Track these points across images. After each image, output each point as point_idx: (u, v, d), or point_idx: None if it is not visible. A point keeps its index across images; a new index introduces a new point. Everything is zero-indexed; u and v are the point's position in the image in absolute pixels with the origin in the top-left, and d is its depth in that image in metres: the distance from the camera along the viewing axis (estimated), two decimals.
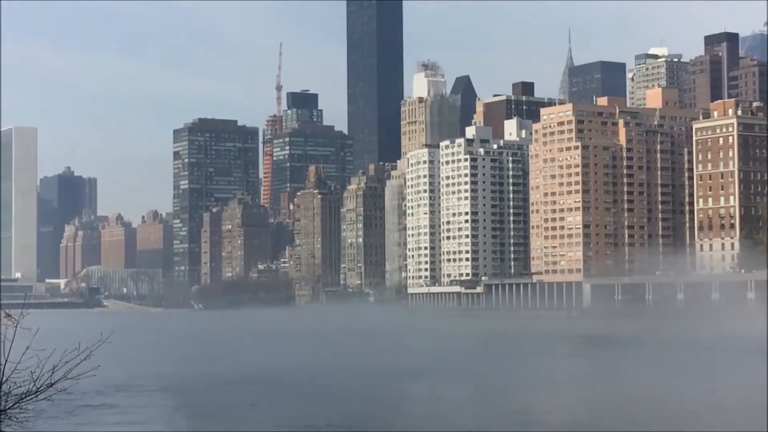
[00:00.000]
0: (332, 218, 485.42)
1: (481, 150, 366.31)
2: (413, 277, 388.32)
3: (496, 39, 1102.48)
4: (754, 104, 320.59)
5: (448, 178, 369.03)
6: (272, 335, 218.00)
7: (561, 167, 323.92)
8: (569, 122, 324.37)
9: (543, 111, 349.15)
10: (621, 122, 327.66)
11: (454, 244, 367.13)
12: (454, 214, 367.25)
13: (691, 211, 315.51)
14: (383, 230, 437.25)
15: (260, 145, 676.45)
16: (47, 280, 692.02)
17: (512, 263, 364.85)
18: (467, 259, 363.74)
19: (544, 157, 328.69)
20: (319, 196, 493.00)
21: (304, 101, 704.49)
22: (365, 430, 74.28)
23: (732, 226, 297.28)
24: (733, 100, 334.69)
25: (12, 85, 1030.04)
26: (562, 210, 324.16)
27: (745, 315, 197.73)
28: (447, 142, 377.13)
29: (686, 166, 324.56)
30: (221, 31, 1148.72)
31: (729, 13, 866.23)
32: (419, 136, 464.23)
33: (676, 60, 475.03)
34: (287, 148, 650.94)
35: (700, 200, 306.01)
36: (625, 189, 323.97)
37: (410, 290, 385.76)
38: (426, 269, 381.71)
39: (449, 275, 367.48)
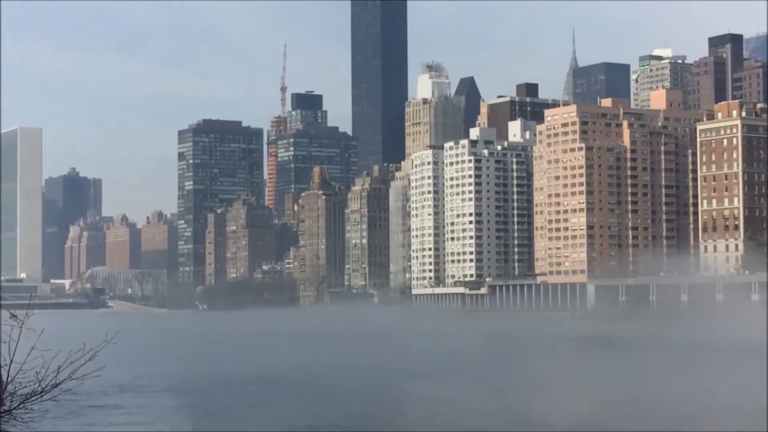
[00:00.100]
0: (336, 219, 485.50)
1: (485, 151, 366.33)
2: (417, 278, 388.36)
3: (500, 40, 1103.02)
4: (758, 105, 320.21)
5: (452, 179, 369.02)
6: (276, 336, 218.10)
7: (565, 168, 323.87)
8: (573, 123, 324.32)
9: (547, 112, 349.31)
10: (625, 123, 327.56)
11: (459, 245, 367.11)
12: (458, 215, 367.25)
13: (695, 213, 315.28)
14: (387, 231, 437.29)
15: (265, 146, 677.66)
16: (52, 281, 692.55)
17: (516, 264, 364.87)
18: (471, 260, 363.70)
19: (548, 158, 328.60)
20: (324, 197, 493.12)
21: (308, 102, 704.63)
22: (367, 430, 74.45)
23: (736, 227, 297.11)
24: (737, 101, 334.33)
25: (12, 85, 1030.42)
26: (566, 211, 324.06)
27: (749, 316, 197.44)
28: (451, 144, 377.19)
29: (690, 167, 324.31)
30: (223, 31, 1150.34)
31: (733, 14, 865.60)
32: (423, 138, 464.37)
33: (680, 61, 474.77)
34: (292, 149, 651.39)
35: (704, 201, 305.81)
36: (629, 190, 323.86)
37: (414, 291, 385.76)
38: (430, 270, 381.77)
39: (453, 276, 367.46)
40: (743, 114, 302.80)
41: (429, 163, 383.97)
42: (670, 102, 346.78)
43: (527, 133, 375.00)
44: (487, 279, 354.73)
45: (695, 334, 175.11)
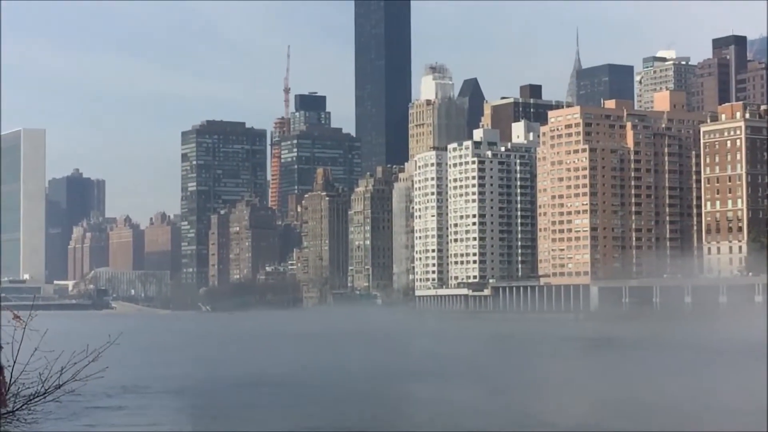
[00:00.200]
0: (340, 220, 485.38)
1: (489, 152, 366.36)
2: (421, 280, 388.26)
3: (504, 41, 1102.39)
4: (762, 107, 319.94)
5: (455, 180, 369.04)
6: (279, 337, 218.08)
7: (568, 170, 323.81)
8: (577, 125, 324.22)
9: (550, 114, 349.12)
10: (629, 125, 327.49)
11: (462, 247, 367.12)
12: (461, 217, 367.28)
13: (699, 214, 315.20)
14: (391, 233, 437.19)
15: (268, 148, 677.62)
16: (55, 282, 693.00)
17: (520, 266, 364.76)
18: (474, 262, 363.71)
19: (551, 159, 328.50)
20: (327, 198, 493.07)
21: (311, 103, 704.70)
22: (370, 431, 74.56)
23: (739, 229, 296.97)
24: (740, 103, 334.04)
25: (13, 85, 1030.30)
26: (569, 213, 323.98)
27: (753, 318, 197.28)
28: (454, 145, 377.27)
29: (694, 169, 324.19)
30: (223, 31, 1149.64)
31: (737, 16, 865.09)
32: (427, 139, 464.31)
33: (683, 63, 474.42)
34: (295, 150, 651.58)
35: (708, 203, 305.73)
36: (633, 192, 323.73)
37: (418, 293, 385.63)
38: (433, 272, 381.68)
39: (456, 278, 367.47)
40: (747, 116, 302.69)
41: (432, 164, 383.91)
42: (674, 103, 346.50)
43: (531, 134, 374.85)
44: (491, 280, 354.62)
45: (698, 335, 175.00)
